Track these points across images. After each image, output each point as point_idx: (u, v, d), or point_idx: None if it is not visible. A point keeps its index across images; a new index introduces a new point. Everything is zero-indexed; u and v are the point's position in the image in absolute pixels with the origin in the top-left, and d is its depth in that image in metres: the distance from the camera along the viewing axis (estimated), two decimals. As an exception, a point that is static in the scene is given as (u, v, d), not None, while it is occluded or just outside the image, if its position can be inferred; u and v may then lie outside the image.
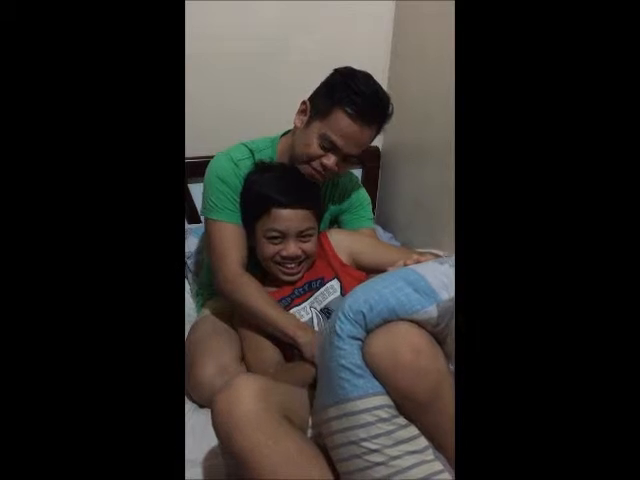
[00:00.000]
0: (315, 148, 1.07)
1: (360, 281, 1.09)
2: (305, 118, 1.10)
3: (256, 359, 1.06)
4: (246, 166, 1.14)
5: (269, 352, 1.06)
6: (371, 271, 1.15)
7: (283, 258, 1.07)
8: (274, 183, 1.06)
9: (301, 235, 1.06)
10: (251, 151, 1.17)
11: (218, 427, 0.73)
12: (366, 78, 1.06)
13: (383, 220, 1.96)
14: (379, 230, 1.81)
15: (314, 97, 1.10)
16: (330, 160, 1.07)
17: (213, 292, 1.32)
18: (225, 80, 1.58)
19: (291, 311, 1.09)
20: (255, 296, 1.06)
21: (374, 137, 1.11)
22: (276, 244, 1.06)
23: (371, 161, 1.92)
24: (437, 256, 1.12)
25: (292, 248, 1.05)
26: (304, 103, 1.11)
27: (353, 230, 1.29)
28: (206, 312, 1.27)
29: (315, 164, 1.09)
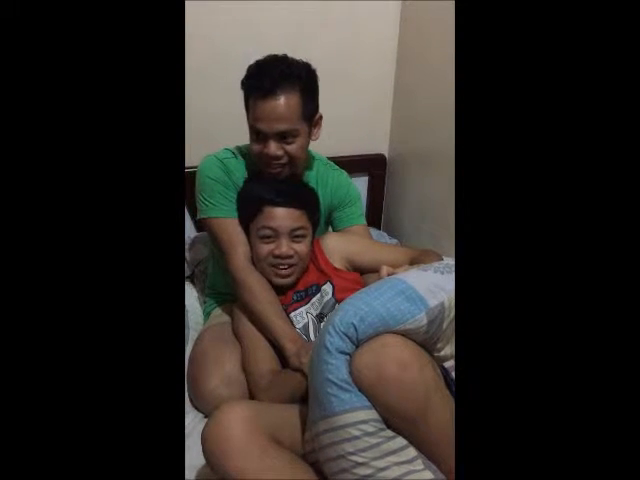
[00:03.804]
0: (254, 145, 1.09)
1: (353, 281, 1.13)
2: None
3: (252, 360, 1.06)
4: (232, 165, 1.17)
5: (265, 353, 1.06)
6: (367, 271, 1.16)
7: (275, 257, 1.07)
8: (268, 187, 1.09)
9: (293, 235, 1.07)
10: (233, 153, 1.20)
11: (207, 454, 0.75)
12: (267, 58, 1.06)
13: (389, 227, 1.95)
14: (384, 236, 1.80)
15: None
16: (269, 148, 1.06)
17: (219, 301, 1.33)
18: (228, 88, 1.59)
19: (290, 315, 1.09)
20: (258, 297, 1.07)
21: (302, 105, 1.06)
22: (269, 243, 1.08)
23: (377, 169, 1.92)
24: (437, 255, 1.12)
25: (284, 247, 1.06)
26: None
27: (345, 232, 1.29)
28: (212, 321, 1.27)
29: (266, 160, 1.09)
